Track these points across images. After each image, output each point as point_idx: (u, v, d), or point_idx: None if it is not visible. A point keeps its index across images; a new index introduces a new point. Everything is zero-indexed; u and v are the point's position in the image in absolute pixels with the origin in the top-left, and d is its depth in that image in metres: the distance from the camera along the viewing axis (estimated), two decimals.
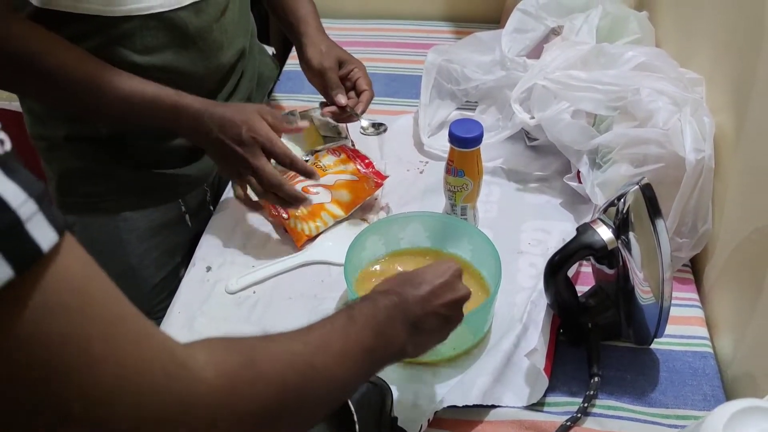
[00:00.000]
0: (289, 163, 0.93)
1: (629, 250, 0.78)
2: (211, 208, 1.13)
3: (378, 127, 1.15)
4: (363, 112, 1.10)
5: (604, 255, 0.79)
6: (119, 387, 0.38)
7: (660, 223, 0.76)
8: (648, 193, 0.76)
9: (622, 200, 0.77)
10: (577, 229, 0.80)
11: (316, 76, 1.10)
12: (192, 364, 0.43)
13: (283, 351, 0.53)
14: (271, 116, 0.93)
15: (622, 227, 0.78)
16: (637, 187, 0.76)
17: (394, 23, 1.56)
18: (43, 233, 0.34)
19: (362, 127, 1.14)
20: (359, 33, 1.54)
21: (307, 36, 1.11)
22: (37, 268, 0.34)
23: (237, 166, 0.92)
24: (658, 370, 0.86)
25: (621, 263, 0.80)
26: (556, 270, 0.80)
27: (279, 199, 0.94)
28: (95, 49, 0.88)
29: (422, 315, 0.66)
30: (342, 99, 1.07)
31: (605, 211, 0.80)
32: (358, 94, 1.10)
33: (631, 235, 0.78)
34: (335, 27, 1.55)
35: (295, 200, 0.94)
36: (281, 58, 1.49)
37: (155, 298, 1.09)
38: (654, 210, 0.76)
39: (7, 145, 0.34)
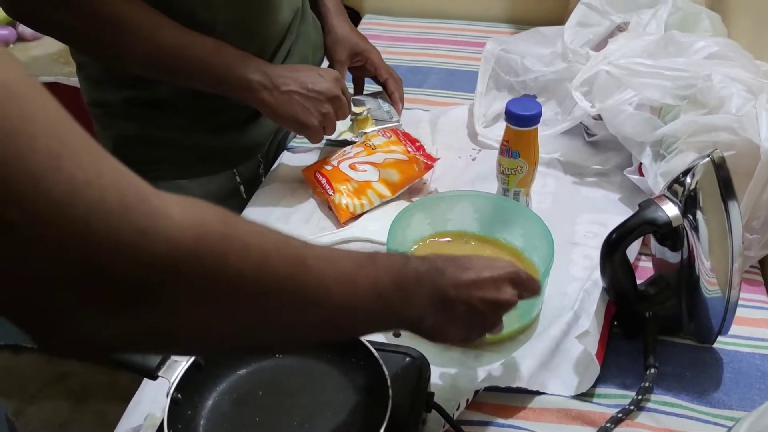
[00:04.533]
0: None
1: (696, 231, 0.72)
2: (264, 180, 1.11)
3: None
4: (400, 103, 1.17)
5: (668, 234, 0.73)
6: (66, 202, 0.34)
7: (733, 205, 0.70)
8: (720, 168, 0.70)
9: (689, 174, 0.71)
10: (640, 205, 0.75)
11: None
12: (155, 201, 0.40)
13: (275, 235, 0.48)
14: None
15: (689, 205, 0.72)
16: (708, 159, 0.70)
17: (453, 23, 1.54)
18: None
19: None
20: (418, 30, 1.52)
21: (325, 21, 1.15)
22: None
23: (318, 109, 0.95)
24: (721, 370, 0.79)
25: (687, 247, 0.74)
26: (614, 248, 0.75)
27: None
28: (161, 4, 0.87)
29: (454, 297, 0.60)
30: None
31: (670, 187, 0.74)
32: (382, 83, 1.17)
33: (698, 215, 0.72)
34: (393, 24, 1.55)
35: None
36: None
37: None
38: (726, 188, 0.70)
39: None
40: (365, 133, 1.10)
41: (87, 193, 0.35)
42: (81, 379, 1.96)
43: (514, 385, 0.74)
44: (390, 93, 1.17)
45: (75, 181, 0.35)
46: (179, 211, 0.40)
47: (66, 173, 0.35)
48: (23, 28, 1.60)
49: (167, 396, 0.64)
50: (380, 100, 1.19)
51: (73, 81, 1.45)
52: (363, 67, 1.15)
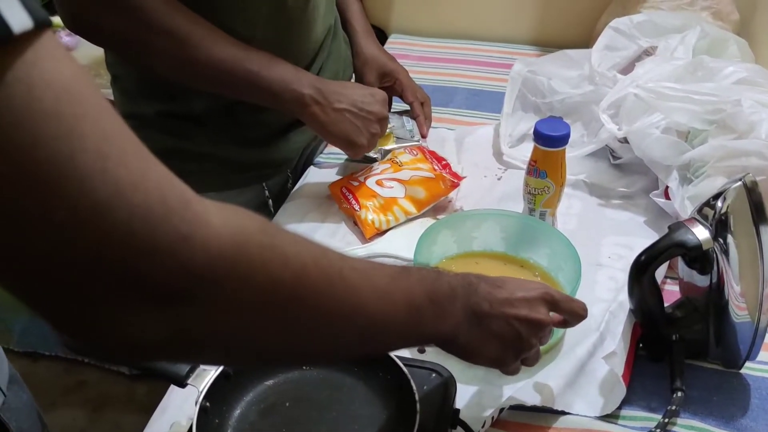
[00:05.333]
0: None
1: (727, 255, 0.72)
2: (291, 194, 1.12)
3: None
4: (427, 126, 1.17)
5: (697, 257, 0.73)
6: (109, 204, 0.35)
7: (765, 229, 0.70)
8: (752, 192, 0.70)
9: (720, 198, 0.72)
10: (669, 227, 0.75)
11: None
12: (198, 206, 0.40)
13: (313, 245, 0.48)
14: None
15: (719, 228, 0.72)
16: (740, 183, 0.70)
17: (479, 44, 1.55)
18: (13, 13, 0.31)
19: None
20: (444, 50, 1.54)
21: (354, 42, 1.17)
22: (12, 48, 0.32)
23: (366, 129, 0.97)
24: (749, 395, 0.78)
25: (716, 271, 0.73)
26: (643, 270, 0.75)
27: None
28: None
29: (488, 313, 0.60)
30: None
31: (700, 211, 0.74)
32: (409, 105, 1.17)
33: (729, 238, 0.72)
34: (419, 44, 1.56)
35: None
36: None
37: None
38: (759, 213, 0.70)
39: None
40: (387, 150, 1.11)
41: (131, 196, 0.36)
42: (98, 389, 1.97)
43: (540, 404, 0.73)
44: (415, 116, 1.17)
45: (120, 183, 0.35)
46: (220, 219, 0.41)
47: (112, 175, 0.35)
48: None
49: (196, 404, 0.65)
50: (405, 119, 1.21)
51: (104, 93, 1.47)
52: (391, 86, 1.16)
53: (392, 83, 1.16)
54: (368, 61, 1.14)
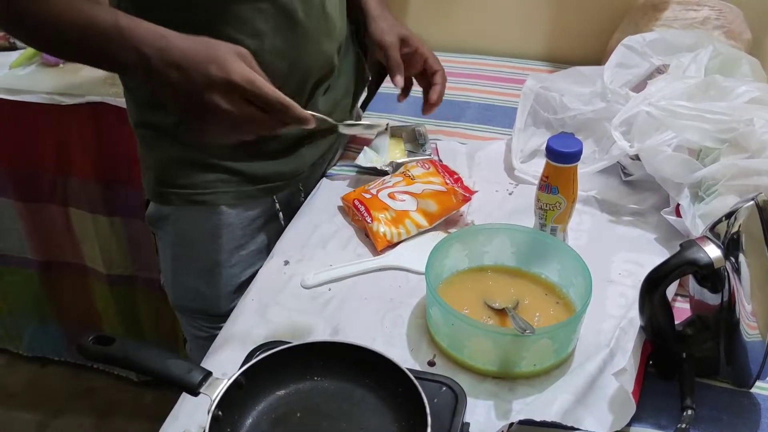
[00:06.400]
0: (282, 107, 0.77)
1: (738, 274, 0.72)
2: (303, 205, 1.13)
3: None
4: (440, 96, 1.12)
5: (709, 275, 0.74)
6: None
7: None
8: (764, 211, 0.70)
9: (732, 217, 0.72)
10: (681, 245, 0.75)
11: (378, 52, 1.12)
12: None
13: None
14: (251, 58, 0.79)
15: (731, 247, 0.72)
16: (752, 202, 0.70)
17: (492, 59, 1.57)
18: None
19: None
20: (457, 65, 1.55)
21: (369, 13, 1.14)
22: None
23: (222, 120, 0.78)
24: (759, 415, 0.78)
25: (728, 290, 0.74)
26: (654, 287, 0.75)
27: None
28: (206, 32, 0.90)
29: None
30: (400, 80, 1.09)
31: (712, 229, 0.75)
32: (431, 75, 1.13)
33: (741, 257, 0.72)
34: None
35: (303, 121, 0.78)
36: (376, 83, 1.51)
37: (236, 299, 1.01)
38: None
39: None
40: (399, 163, 1.12)
41: None
42: (106, 396, 1.98)
43: (549, 420, 0.73)
44: (434, 83, 1.13)
45: None
46: None
47: None
48: None
49: (208, 413, 0.65)
50: (417, 132, 1.22)
51: (119, 102, 1.49)
52: (413, 56, 1.12)
53: (413, 51, 1.12)
54: (386, 28, 1.10)
